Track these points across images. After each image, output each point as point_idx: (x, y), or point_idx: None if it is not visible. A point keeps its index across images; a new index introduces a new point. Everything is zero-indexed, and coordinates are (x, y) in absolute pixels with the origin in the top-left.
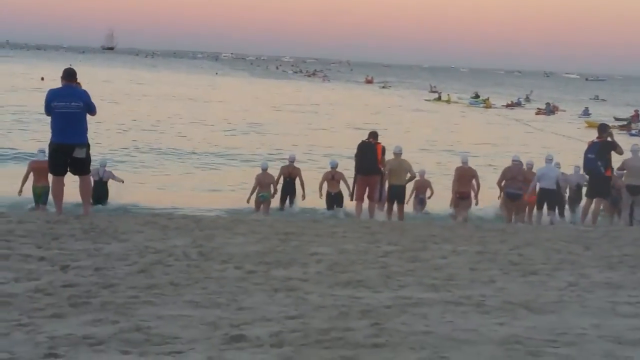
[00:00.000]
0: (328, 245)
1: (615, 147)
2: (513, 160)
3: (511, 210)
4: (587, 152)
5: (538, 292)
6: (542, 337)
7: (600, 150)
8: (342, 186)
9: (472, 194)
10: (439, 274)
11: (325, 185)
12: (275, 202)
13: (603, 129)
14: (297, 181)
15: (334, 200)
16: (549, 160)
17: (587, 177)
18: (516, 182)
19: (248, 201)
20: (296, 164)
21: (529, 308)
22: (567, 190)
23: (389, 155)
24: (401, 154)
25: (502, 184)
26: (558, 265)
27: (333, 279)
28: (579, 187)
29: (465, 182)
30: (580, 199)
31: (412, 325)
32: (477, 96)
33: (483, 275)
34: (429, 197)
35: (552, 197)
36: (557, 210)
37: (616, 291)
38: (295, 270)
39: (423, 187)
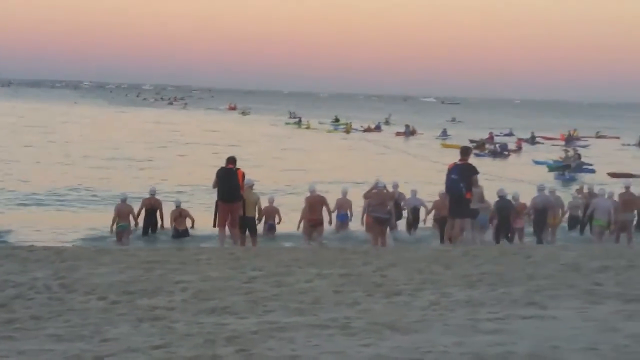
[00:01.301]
0: (193, 272)
1: (476, 172)
2: (378, 186)
3: (377, 233)
4: (449, 174)
5: (402, 312)
6: (407, 356)
7: (462, 172)
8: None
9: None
10: (304, 297)
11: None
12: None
13: (465, 151)
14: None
15: (181, 236)
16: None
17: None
18: (383, 207)
19: (111, 231)
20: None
21: (394, 328)
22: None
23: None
24: (253, 185)
25: (369, 208)
26: (420, 285)
27: (198, 307)
28: (415, 210)
29: (315, 209)
30: (417, 221)
31: (279, 350)
32: (337, 120)
33: (348, 298)
34: (278, 223)
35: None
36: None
37: (476, 309)
38: (161, 299)
39: (272, 214)
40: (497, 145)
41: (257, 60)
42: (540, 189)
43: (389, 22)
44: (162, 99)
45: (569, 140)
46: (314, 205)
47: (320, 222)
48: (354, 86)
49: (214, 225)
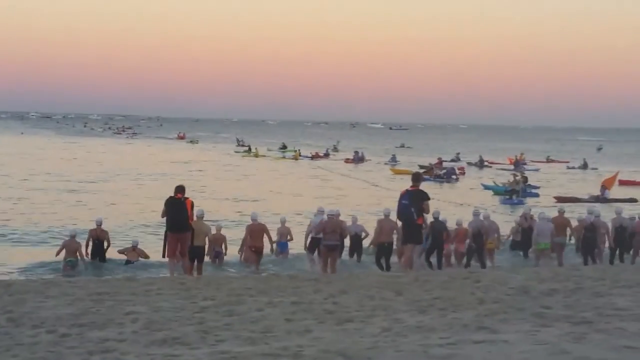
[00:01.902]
0: (143, 303)
1: (426, 198)
2: (328, 215)
3: (327, 260)
4: (400, 199)
5: (354, 339)
6: None
7: (413, 198)
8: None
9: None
10: (255, 326)
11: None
12: None
13: (417, 177)
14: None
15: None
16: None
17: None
18: (334, 235)
19: (64, 269)
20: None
21: (346, 355)
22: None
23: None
24: (203, 216)
25: (319, 235)
26: (372, 312)
27: (149, 338)
28: (357, 236)
29: (257, 236)
30: (360, 247)
31: None
32: (284, 147)
33: (299, 326)
34: (225, 253)
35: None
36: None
37: (428, 334)
38: (111, 331)
39: (219, 241)
40: (442, 171)
41: (204, 89)
42: (475, 214)
43: (335, 50)
44: (109, 128)
45: (517, 164)
46: (256, 233)
47: (260, 250)
48: (303, 113)
49: (163, 256)
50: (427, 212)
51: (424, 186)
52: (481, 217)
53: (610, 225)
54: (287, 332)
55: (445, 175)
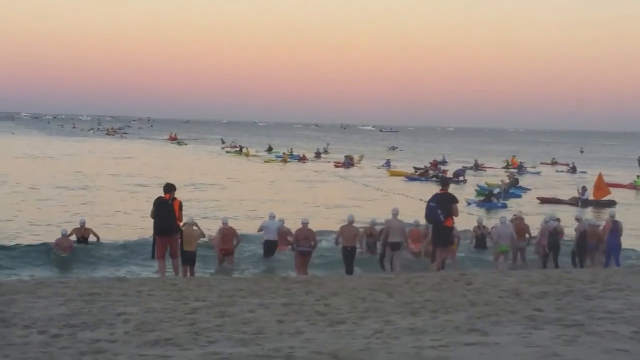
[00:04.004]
0: (135, 304)
1: (455, 201)
2: (302, 223)
3: (300, 265)
4: (429, 201)
5: (346, 341)
6: None
7: (440, 201)
8: None
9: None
10: (247, 328)
11: None
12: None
13: (445, 182)
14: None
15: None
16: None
17: None
18: (308, 241)
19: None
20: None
21: (338, 357)
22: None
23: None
24: (194, 224)
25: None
26: (364, 314)
27: (141, 339)
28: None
29: (227, 240)
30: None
31: None
32: (270, 149)
33: (291, 327)
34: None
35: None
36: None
37: (420, 336)
38: (103, 332)
39: (229, 237)
40: (438, 172)
41: (195, 90)
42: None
43: (326, 52)
44: (98, 129)
45: (520, 167)
46: (226, 235)
47: (231, 252)
48: (293, 115)
49: (152, 257)
50: (456, 215)
51: (421, 187)
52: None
53: (574, 230)
54: (279, 333)
55: (454, 175)
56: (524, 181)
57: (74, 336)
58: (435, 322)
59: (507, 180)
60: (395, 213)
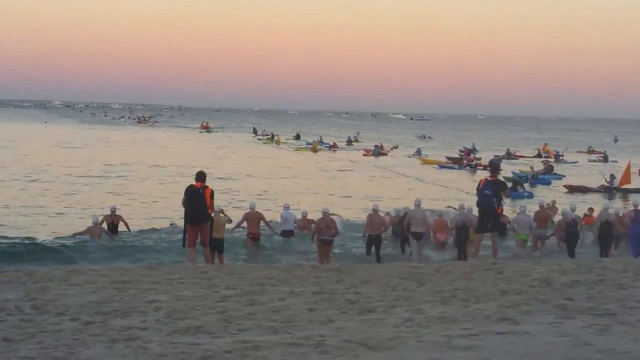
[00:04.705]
0: (166, 292)
1: (505, 187)
2: (323, 212)
3: (322, 254)
4: (482, 189)
5: (376, 330)
6: None
7: (494, 188)
8: None
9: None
10: (277, 316)
11: None
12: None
13: (495, 168)
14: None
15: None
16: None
17: None
18: (329, 230)
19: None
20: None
21: (368, 345)
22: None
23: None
24: (221, 211)
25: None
26: (394, 302)
27: (172, 326)
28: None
29: (254, 224)
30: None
31: None
32: (298, 136)
33: (321, 316)
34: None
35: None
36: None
37: (450, 325)
38: (134, 319)
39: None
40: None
41: (226, 78)
42: (461, 207)
43: (355, 41)
44: (130, 117)
45: (557, 156)
46: (252, 220)
47: (257, 236)
48: (324, 103)
49: (183, 245)
50: (508, 197)
51: (455, 175)
52: (466, 211)
53: (596, 220)
54: (309, 321)
55: (490, 165)
56: (558, 170)
57: (105, 323)
58: (465, 310)
59: (542, 168)
60: (417, 203)
